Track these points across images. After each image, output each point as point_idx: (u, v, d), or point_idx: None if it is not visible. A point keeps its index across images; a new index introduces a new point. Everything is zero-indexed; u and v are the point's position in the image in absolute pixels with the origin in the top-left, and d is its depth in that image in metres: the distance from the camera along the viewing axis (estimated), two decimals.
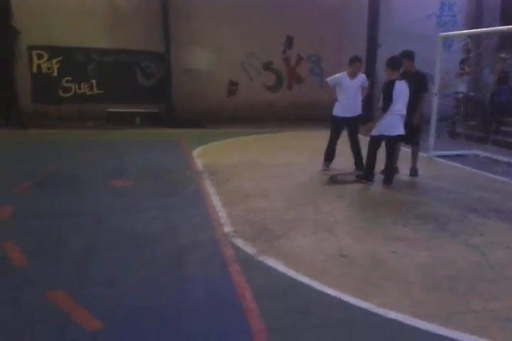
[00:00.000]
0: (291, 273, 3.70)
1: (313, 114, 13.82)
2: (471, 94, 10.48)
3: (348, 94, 7.10)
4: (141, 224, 4.86)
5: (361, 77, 7.23)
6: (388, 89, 6.31)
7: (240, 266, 3.82)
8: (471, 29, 14.32)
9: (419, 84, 6.96)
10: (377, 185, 6.52)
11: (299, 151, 9.13)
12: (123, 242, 4.39)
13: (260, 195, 5.96)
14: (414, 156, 7.29)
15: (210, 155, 8.72)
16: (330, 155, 7.56)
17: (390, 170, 6.58)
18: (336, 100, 7.26)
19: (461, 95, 10.55)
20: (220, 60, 13.57)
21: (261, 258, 3.97)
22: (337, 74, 7.26)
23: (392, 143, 6.52)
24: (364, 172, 6.70)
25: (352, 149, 7.40)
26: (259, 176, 7.04)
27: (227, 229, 4.69)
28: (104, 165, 7.74)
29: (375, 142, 6.55)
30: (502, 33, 13.48)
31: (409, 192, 6.22)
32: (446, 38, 8.25)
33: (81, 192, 6.14)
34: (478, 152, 8.67)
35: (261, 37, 13.64)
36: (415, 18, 14.12)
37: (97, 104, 12.93)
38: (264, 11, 13.45)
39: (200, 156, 8.53)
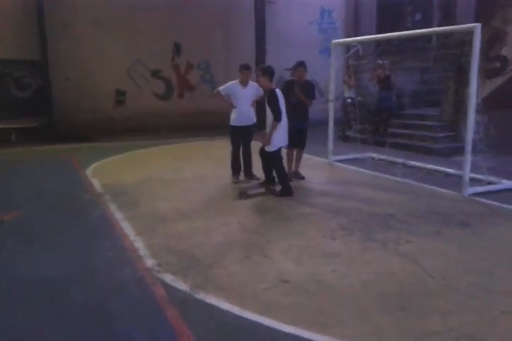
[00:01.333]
0: (236, 310, 3.29)
1: (207, 121, 13.55)
2: (359, 98, 10.84)
3: (242, 102, 6.96)
4: (44, 267, 4.11)
5: (254, 85, 7.08)
6: (275, 99, 6.23)
7: (176, 308, 3.32)
8: (349, 35, 15.09)
9: (308, 92, 7.26)
10: (289, 197, 6.35)
11: (202, 163, 8.71)
12: (28, 294, 3.65)
13: (178, 217, 5.45)
14: (299, 160, 7.46)
15: (107, 173, 7.95)
16: (236, 166, 7.32)
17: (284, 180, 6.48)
18: (234, 106, 7.03)
19: (349, 100, 10.88)
20: (105, 68, 12.65)
21: (198, 295, 3.51)
22: (229, 83, 7.08)
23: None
24: (284, 187, 6.43)
25: (243, 157, 7.30)
26: (169, 194, 6.51)
27: (150, 262, 4.13)
28: None
29: (278, 155, 6.43)
30: (376, 40, 14.35)
31: (322, 201, 6.11)
32: (337, 45, 8.34)
33: None
34: (373, 154, 8.94)
35: (147, 43, 12.98)
36: (299, 24, 14.44)
37: None
38: (150, 16, 12.81)
39: (96, 175, 7.72)
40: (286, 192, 6.32)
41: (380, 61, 10.20)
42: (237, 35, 13.76)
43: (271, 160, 6.46)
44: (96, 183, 7.17)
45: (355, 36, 14.80)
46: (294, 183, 6.99)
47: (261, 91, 7.15)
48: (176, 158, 9.39)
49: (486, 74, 9.07)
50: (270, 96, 6.27)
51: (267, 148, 6.37)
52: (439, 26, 11.43)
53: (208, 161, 8.84)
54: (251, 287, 3.64)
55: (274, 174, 6.60)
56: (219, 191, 6.72)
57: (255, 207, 5.86)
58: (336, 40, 8.35)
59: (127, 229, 5.04)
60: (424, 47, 12.17)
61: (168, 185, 7.04)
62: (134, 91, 13.21)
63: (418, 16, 12.85)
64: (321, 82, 14.98)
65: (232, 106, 7.09)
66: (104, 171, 8.10)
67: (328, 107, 8.74)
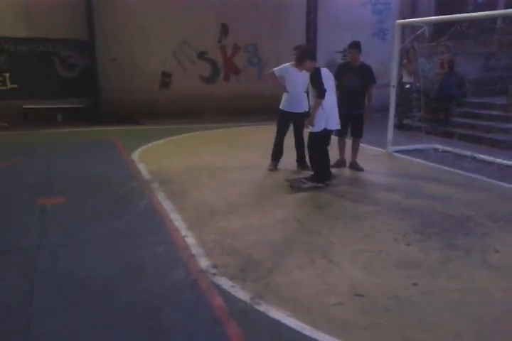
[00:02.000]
0: (307, 329, 2.81)
1: (253, 106, 13.01)
2: (417, 84, 10.04)
3: (295, 86, 6.45)
4: (87, 264, 3.75)
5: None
6: (318, 75, 5.65)
7: (237, 323, 2.87)
8: (405, 17, 14.13)
9: (366, 76, 6.68)
10: (348, 189, 5.79)
11: (251, 150, 8.22)
12: (70, 294, 3.28)
13: (229, 210, 5.00)
14: (356, 150, 6.95)
15: (154, 158, 7.57)
16: (277, 153, 6.88)
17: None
18: (286, 91, 6.52)
19: (407, 86, 10.10)
20: (151, 49, 12.25)
21: (260, 307, 3.05)
22: (284, 65, 6.53)
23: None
24: (320, 173, 5.90)
25: (296, 147, 6.81)
26: (218, 184, 6.06)
27: (204, 262, 3.70)
28: (27, 176, 6.36)
29: (320, 138, 5.82)
30: (436, 23, 13.36)
31: (388, 198, 5.52)
32: (402, 25, 7.60)
33: (0, 217, 4.85)
34: (437, 146, 8.23)
35: (194, 25, 12.45)
36: (351, 5, 13.59)
37: (12, 101, 11.16)
38: None
39: (143, 160, 7.36)
40: (317, 178, 5.79)
41: (448, 43, 9.36)
42: (287, 16, 13.05)
43: (310, 142, 5.85)
44: (143, 169, 6.80)
45: (411, 18, 13.92)
46: (353, 176, 6.46)
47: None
48: (222, 143, 8.94)
49: None
50: (313, 74, 5.70)
51: (310, 129, 5.79)
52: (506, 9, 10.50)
53: (256, 148, 8.33)
54: (320, 300, 3.15)
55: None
56: (270, 182, 6.24)
57: (313, 201, 5.33)
58: (402, 20, 7.60)
59: (177, 221, 4.63)
60: (488, 31, 11.24)
61: (216, 173, 6.60)
62: (179, 74, 12.77)
63: None
64: (373, 66, 14.13)
65: (284, 90, 6.57)
66: (151, 156, 7.74)
67: (381, 93, 8.07)
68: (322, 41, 12.73)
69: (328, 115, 5.72)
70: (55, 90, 11.55)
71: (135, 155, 7.74)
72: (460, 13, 10.75)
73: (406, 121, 10.35)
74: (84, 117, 11.42)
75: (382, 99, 13.74)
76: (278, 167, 6.86)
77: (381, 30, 14.18)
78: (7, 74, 11.28)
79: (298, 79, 6.39)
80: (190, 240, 4.13)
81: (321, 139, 5.85)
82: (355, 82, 6.71)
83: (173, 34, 12.38)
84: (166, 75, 12.73)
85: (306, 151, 6.11)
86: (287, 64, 6.53)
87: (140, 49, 12.14)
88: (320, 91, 5.59)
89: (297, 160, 6.89)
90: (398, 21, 7.57)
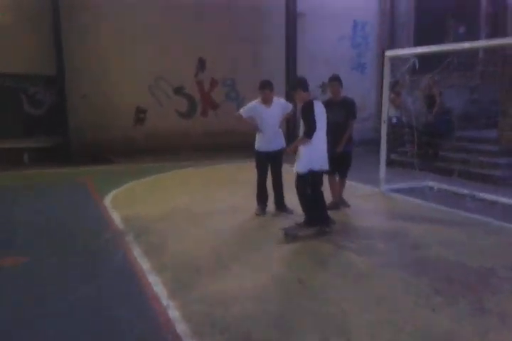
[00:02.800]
0: None
1: (231, 142, 12.48)
2: (403, 119, 9.69)
3: (267, 124, 5.95)
4: None
5: (280, 103, 6.09)
6: (309, 109, 5.11)
7: None
8: (383, 50, 14.01)
9: (348, 110, 6.28)
10: (348, 237, 5.18)
11: (234, 191, 7.59)
12: None
13: (216, 267, 4.30)
14: (343, 185, 6.50)
15: (129, 203, 6.85)
16: (262, 196, 6.28)
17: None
18: (259, 130, 6.03)
19: (394, 120, 9.74)
20: (125, 84, 11.69)
21: None
22: (250, 104, 6.09)
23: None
24: (312, 216, 5.30)
25: (274, 187, 6.27)
26: (201, 233, 5.37)
27: None
28: None
29: (304, 179, 5.26)
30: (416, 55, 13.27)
31: (393, 247, 4.92)
32: (391, 57, 7.22)
33: None
34: (431, 183, 7.75)
35: (170, 59, 12.00)
36: (330, 38, 13.41)
37: None
38: (173, 30, 11.87)
39: (116, 206, 6.63)
40: (311, 223, 5.23)
41: (432, 76, 9.08)
42: (266, 50, 12.74)
43: (297, 183, 5.27)
44: (116, 217, 6.07)
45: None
46: (349, 220, 5.87)
47: (290, 108, 6.21)
48: (202, 183, 8.29)
49: None
50: (306, 108, 5.15)
51: (295, 169, 5.24)
52: (487, 38, 10.39)
53: (239, 189, 7.71)
54: None
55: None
56: (260, 230, 5.59)
57: (312, 254, 4.68)
58: (390, 52, 7.24)
59: (156, 286, 3.89)
60: (470, 63, 11.10)
61: (197, 219, 5.92)
62: (155, 109, 12.19)
63: (462, 29, 11.74)
64: (354, 100, 13.93)
65: (257, 129, 6.08)
66: (125, 200, 7.02)
67: (361, 127, 7.64)
68: (303, 75, 12.37)
69: (315, 156, 5.17)
70: (21, 128, 10.84)
71: (108, 200, 7.00)
72: (440, 44, 10.55)
73: (393, 156, 9.93)
74: (53, 157, 10.65)
75: (362, 133, 13.49)
76: (266, 210, 6.25)
77: (360, 64, 14.03)
78: None
79: (268, 116, 5.94)
80: (173, 313, 3.41)
81: (306, 181, 5.28)
82: (339, 117, 6.25)
83: (148, 68, 11.88)
84: (140, 111, 12.15)
85: (296, 193, 5.45)
86: (253, 102, 6.08)
87: (113, 84, 11.56)
88: (309, 131, 5.07)
89: (275, 202, 6.32)
90: (387, 53, 7.20)
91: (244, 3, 12.37)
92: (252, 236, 5.30)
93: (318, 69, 13.02)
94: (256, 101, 6.07)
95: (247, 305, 3.54)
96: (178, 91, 12.42)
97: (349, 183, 6.56)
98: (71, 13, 10.80)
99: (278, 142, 6.13)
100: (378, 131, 13.28)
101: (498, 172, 8.16)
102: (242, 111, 6.09)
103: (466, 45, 6.48)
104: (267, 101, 5.96)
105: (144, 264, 4.39)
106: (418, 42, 13.03)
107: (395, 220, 5.89)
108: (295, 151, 5.22)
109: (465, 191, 7.07)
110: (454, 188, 7.33)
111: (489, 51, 10.80)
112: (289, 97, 6.25)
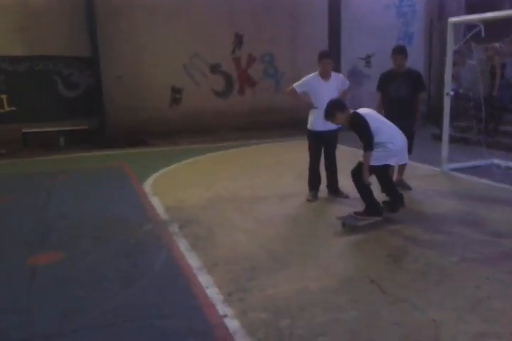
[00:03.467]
0: None
1: (271, 120, 11.93)
2: (461, 90, 8.82)
3: (323, 101, 5.11)
4: None
5: (338, 77, 5.51)
6: (360, 124, 4.50)
7: None
8: (432, 20, 12.95)
9: (415, 83, 5.76)
10: (416, 225, 4.54)
11: (279, 174, 7.02)
12: None
13: (272, 265, 3.76)
14: (404, 167, 5.87)
15: (169, 189, 6.38)
16: (314, 181, 5.69)
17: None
18: (314, 107, 5.39)
19: (452, 93, 8.85)
20: (160, 63, 11.16)
21: None
22: (306, 77, 5.44)
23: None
24: (374, 203, 4.70)
25: (327, 169, 5.69)
26: (250, 223, 4.85)
27: None
28: (18, 221, 5.17)
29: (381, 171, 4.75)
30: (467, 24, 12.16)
31: (475, 236, 4.27)
32: (455, 23, 6.37)
33: None
34: (497, 161, 6.97)
35: (206, 35, 11.37)
36: (374, 8, 12.44)
37: (10, 125, 10.09)
38: (207, 5, 11.20)
39: (157, 192, 6.17)
40: (373, 211, 4.64)
41: (497, 45, 8.14)
42: (306, 23, 11.92)
43: (359, 170, 4.63)
44: (157, 205, 5.60)
45: (439, 20, 12.73)
46: (411, 204, 5.21)
47: (347, 84, 5.61)
48: (245, 166, 7.74)
49: None
50: (355, 124, 4.53)
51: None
52: None
53: (286, 171, 7.14)
54: None
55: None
56: (314, 218, 5.03)
57: (377, 247, 4.08)
58: (455, 18, 6.39)
59: (209, 288, 3.39)
60: None
61: (244, 207, 5.39)
62: (191, 89, 11.65)
63: None
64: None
65: (311, 106, 5.45)
66: (165, 186, 6.55)
67: None
68: (345, 47, 11.54)
69: (393, 152, 4.60)
70: (56, 111, 10.50)
71: (147, 186, 6.55)
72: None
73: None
74: (89, 140, 10.30)
75: None
76: (318, 196, 5.66)
77: (407, 33, 13.03)
78: (4, 96, 10.23)
79: (325, 91, 5.29)
80: (232, 323, 2.90)
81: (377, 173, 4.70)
82: (403, 91, 5.73)
83: (183, 46, 11.30)
84: (176, 91, 11.63)
85: (355, 179, 4.82)
86: (310, 75, 5.46)
87: (148, 64, 11.06)
88: (368, 144, 4.44)
89: (328, 186, 5.76)
90: (451, 19, 6.36)
91: None
92: (306, 227, 4.73)
93: (363, 40, 12.18)
94: (313, 74, 5.44)
95: (315, 312, 3.00)
96: (215, 69, 11.81)
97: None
98: None
99: None
100: (427, 103, 12.43)
101: None
102: (295, 85, 5.46)
103: None
104: (326, 74, 5.35)
105: (192, 261, 3.89)
106: (470, 12, 11.91)
107: (467, 205, 5.19)
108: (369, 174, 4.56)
109: None
110: None
111: None
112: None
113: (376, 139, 4.44)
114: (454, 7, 12.31)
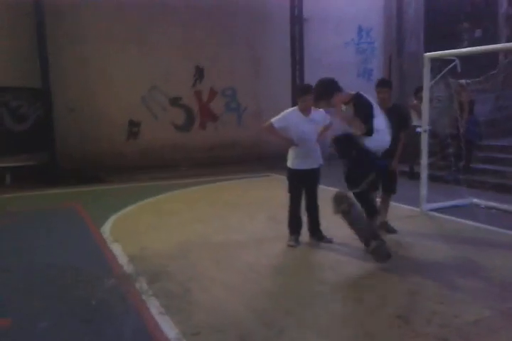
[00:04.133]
0: None
1: (235, 155, 11.49)
2: (429, 127, 8.68)
3: (305, 137, 4.94)
4: None
5: (319, 113, 5.06)
6: (363, 102, 4.26)
7: None
8: (390, 56, 13.09)
9: (401, 119, 5.35)
10: (415, 275, 4.08)
11: (252, 214, 6.45)
12: None
13: (267, 332, 3.14)
14: (387, 208, 5.59)
15: (132, 233, 5.67)
16: (295, 224, 5.16)
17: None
18: (294, 144, 4.99)
19: (418, 129, 8.71)
20: (116, 96, 10.54)
21: None
22: (285, 112, 5.07)
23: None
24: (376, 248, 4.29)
25: (308, 210, 5.19)
26: (230, 276, 4.22)
27: None
28: None
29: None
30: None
31: (488, 287, 3.85)
32: (432, 58, 6.19)
33: None
34: (475, 200, 6.73)
35: (165, 68, 10.90)
36: (334, 44, 12.43)
37: None
38: (167, 37, 10.78)
39: (118, 237, 5.43)
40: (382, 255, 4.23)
41: (463, 81, 8.10)
42: (269, 56, 11.71)
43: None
44: (119, 253, 4.88)
45: (398, 57, 12.90)
46: (404, 250, 4.79)
47: (328, 119, 5.09)
48: (213, 205, 7.12)
49: None
50: (357, 101, 4.23)
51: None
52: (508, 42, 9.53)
53: (257, 211, 6.59)
54: None
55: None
56: (301, 268, 4.50)
57: (381, 304, 3.55)
58: (431, 53, 6.22)
59: None
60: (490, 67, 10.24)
61: (219, 255, 4.76)
62: (149, 122, 11.04)
63: (478, 33, 10.89)
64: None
65: (292, 143, 5.02)
66: (127, 230, 5.82)
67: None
68: (307, 82, 11.34)
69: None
70: (3, 146, 9.54)
71: (106, 230, 5.81)
72: (454, 48, 9.56)
73: (417, 169, 8.90)
74: (38, 177, 9.39)
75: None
76: (300, 240, 5.13)
77: (366, 70, 13.08)
78: None
79: (307, 127, 4.94)
80: None
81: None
82: (391, 128, 5.29)
83: (141, 78, 10.74)
84: (133, 124, 10.97)
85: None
86: (289, 110, 5.10)
87: (103, 96, 10.41)
88: (370, 128, 4.10)
89: (310, 229, 5.25)
90: (427, 54, 6.19)
91: (244, 7, 11.35)
92: (295, 280, 4.16)
93: (324, 75, 12.02)
94: (292, 109, 5.10)
95: None
96: (175, 102, 11.29)
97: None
98: (56, 22, 9.63)
99: (317, 158, 5.09)
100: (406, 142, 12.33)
101: None
102: (274, 120, 5.01)
103: None
104: (306, 109, 4.95)
105: (168, 329, 3.21)
106: (428, 48, 12.16)
107: (460, 250, 4.80)
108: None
109: None
110: (505, 206, 6.30)
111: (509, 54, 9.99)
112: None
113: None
114: (412, 43, 12.52)
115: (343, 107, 4.42)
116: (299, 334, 3.10)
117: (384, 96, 5.36)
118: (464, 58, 6.19)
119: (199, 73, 11.37)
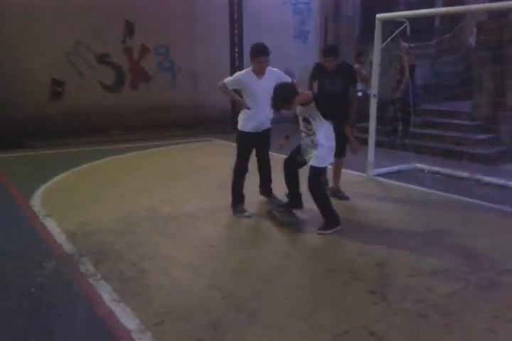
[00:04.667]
0: None
1: (170, 118, 10.88)
2: (368, 92, 8.58)
3: (258, 100, 4.62)
4: None
5: (274, 73, 4.73)
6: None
7: None
8: (327, 18, 12.74)
9: (347, 76, 5.25)
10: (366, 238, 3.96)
11: (199, 183, 6.06)
12: None
13: (239, 316, 2.84)
14: (339, 172, 5.48)
15: (67, 205, 5.08)
16: (240, 190, 4.90)
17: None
18: (247, 107, 4.68)
19: (360, 94, 8.57)
20: (38, 52, 9.42)
21: None
22: (238, 74, 4.73)
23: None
24: (333, 214, 4.24)
25: (261, 171, 5.08)
26: (188, 253, 3.85)
27: None
28: None
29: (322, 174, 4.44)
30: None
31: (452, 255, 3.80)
32: (382, 19, 5.90)
33: None
34: (419, 165, 6.77)
35: (92, 21, 9.85)
36: (270, 4, 11.87)
37: None
38: None
39: (51, 211, 4.83)
40: (333, 222, 4.23)
41: (406, 45, 7.96)
42: (205, 13, 10.97)
43: (313, 178, 4.14)
44: (55, 230, 4.32)
45: (335, 19, 12.61)
46: (353, 215, 4.67)
47: (287, 78, 4.76)
48: (155, 173, 6.61)
49: None
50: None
51: (314, 162, 4.14)
52: (445, 6, 9.50)
53: (204, 179, 6.20)
54: None
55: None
56: (261, 241, 4.22)
57: (354, 279, 3.37)
58: (382, 14, 5.94)
59: None
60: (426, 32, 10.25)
61: (172, 230, 4.37)
62: (75, 81, 10.04)
63: None
64: (295, 72, 12.63)
65: (244, 106, 4.71)
66: (60, 203, 5.20)
67: None
68: (246, 44, 10.79)
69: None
70: None
71: (36, 203, 5.16)
72: (391, 11, 9.33)
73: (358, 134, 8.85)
74: None
75: None
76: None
77: (302, 32, 12.69)
78: None
79: (262, 89, 4.57)
80: None
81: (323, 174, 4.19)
82: (337, 84, 5.17)
83: (66, 33, 9.65)
84: (57, 84, 9.93)
85: (307, 189, 4.21)
86: (242, 72, 4.71)
87: (24, 51, 9.26)
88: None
89: (261, 186, 5.19)
90: (378, 15, 5.90)
91: None
92: (258, 255, 3.86)
93: (261, 37, 11.44)
94: (245, 70, 4.68)
95: None
96: (103, 59, 10.31)
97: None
98: None
99: (268, 121, 4.82)
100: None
101: (482, 150, 7.40)
102: (227, 81, 4.62)
103: (474, 7, 5.34)
104: (261, 70, 4.56)
105: (127, 319, 2.82)
106: (367, 10, 11.95)
107: (416, 215, 4.76)
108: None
109: (464, 174, 6.15)
110: (449, 171, 6.39)
111: (445, 20, 10.03)
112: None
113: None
114: (349, 6, 12.25)
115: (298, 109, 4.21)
116: (275, 319, 2.84)
117: (330, 65, 5.11)
118: (400, 23, 6.01)
119: (129, 28, 10.40)
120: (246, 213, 4.75)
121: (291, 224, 4.40)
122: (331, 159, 4.40)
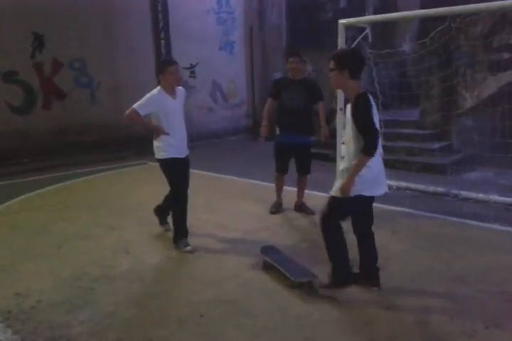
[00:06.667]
0: None
1: (91, 140, 9.63)
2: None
3: (174, 122, 4.07)
4: None
5: (181, 91, 4.23)
6: (365, 108, 3.03)
7: None
8: (252, 28, 12.14)
9: (313, 92, 5.04)
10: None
11: (146, 219, 5.05)
12: None
13: None
14: (303, 188, 5.27)
15: None
16: (184, 225, 4.27)
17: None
18: (165, 133, 4.06)
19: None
20: None
21: None
22: (149, 95, 4.03)
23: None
24: (342, 268, 3.33)
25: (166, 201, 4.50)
26: (172, 327, 2.94)
27: None
28: None
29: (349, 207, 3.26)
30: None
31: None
32: (347, 25, 5.36)
33: None
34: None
35: None
36: (194, 12, 11.07)
37: None
38: None
39: None
40: (340, 278, 3.32)
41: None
42: (125, 20, 9.87)
43: (331, 211, 3.24)
44: None
45: (260, 28, 12.06)
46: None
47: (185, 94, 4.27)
48: (92, 212, 5.46)
49: (489, 68, 7.11)
50: (360, 106, 3.04)
51: (335, 192, 3.18)
52: (375, 14, 9.33)
53: (150, 217, 5.23)
54: None
55: None
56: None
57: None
58: (345, 20, 5.40)
59: None
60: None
61: (137, 293, 3.42)
62: None
63: (343, 3, 10.55)
64: (223, 84, 11.95)
65: (162, 132, 4.05)
66: None
67: (233, 115, 5.97)
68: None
69: (376, 176, 3.18)
70: None
71: None
72: (317, 20, 9.09)
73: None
74: None
75: (234, 121, 11.78)
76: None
77: (228, 42, 12.01)
78: None
79: (176, 111, 4.08)
80: None
81: (349, 209, 3.26)
82: (300, 100, 4.93)
83: None
84: None
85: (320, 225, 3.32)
86: (154, 93, 4.02)
87: None
88: (371, 142, 2.97)
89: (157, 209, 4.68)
90: (341, 21, 5.36)
91: None
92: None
93: (186, 47, 10.63)
94: (156, 90, 4.02)
95: None
96: (9, 77, 8.82)
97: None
98: None
99: (185, 144, 4.25)
100: (252, 117, 11.75)
101: (438, 160, 7.16)
102: (137, 106, 3.92)
103: (442, 10, 4.96)
104: (173, 87, 4.03)
105: None
106: (293, 19, 11.58)
107: (409, 243, 4.23)
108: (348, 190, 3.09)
109: (439, 190, 5.79)
110: (419, 186, 6.01)
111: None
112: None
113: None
114: (274, 15, 11.80)
115: None
116: None
117: (295, 66, 4.88)
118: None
119: (38, 41, 9.04)
120: (188, 248, 4.12)
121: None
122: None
